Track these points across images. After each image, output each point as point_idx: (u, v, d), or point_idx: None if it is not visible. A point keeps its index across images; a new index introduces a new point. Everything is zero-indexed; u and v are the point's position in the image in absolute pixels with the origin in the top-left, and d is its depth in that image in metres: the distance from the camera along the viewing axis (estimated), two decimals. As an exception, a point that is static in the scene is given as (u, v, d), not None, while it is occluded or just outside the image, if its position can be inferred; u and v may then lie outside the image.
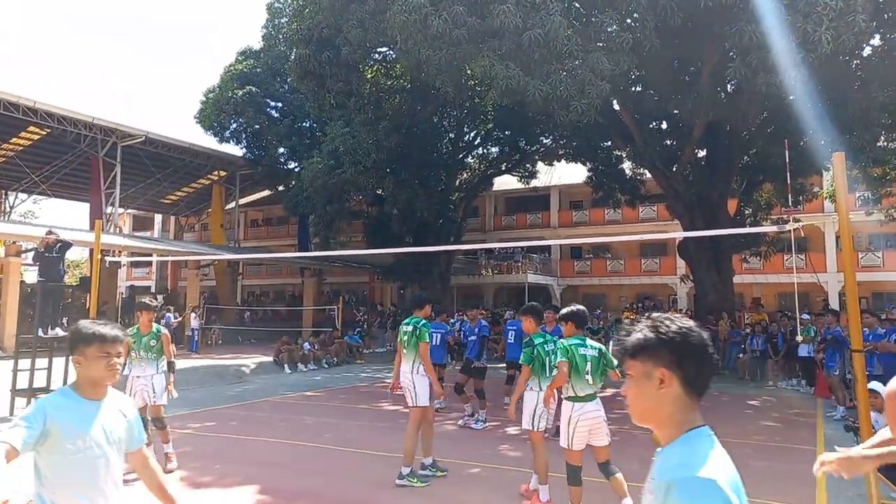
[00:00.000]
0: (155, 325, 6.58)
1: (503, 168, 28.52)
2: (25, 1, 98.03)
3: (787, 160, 7.80)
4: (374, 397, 11.93)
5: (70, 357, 2.34)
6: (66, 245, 10.19)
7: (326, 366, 17.57)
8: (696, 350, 1.53)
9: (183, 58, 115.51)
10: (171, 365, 6.52)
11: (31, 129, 25.44)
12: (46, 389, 9.94)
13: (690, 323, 1.57)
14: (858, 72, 14.15)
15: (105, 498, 2.31)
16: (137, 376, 6.39)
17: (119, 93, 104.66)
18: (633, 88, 17.90)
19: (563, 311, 5.44)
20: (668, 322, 1.55)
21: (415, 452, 6.00)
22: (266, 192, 36.04)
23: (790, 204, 17.11)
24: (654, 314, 1.61)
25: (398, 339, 6.57)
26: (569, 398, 5.03)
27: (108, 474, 2.32)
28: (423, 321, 6.25)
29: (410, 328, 6.20)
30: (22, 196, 35.07)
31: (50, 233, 10.30)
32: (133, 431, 2.46)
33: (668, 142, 19.32)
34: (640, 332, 1.57)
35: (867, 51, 14.12)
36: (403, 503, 5.51)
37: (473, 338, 9.86)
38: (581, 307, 5.41)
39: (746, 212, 19.81)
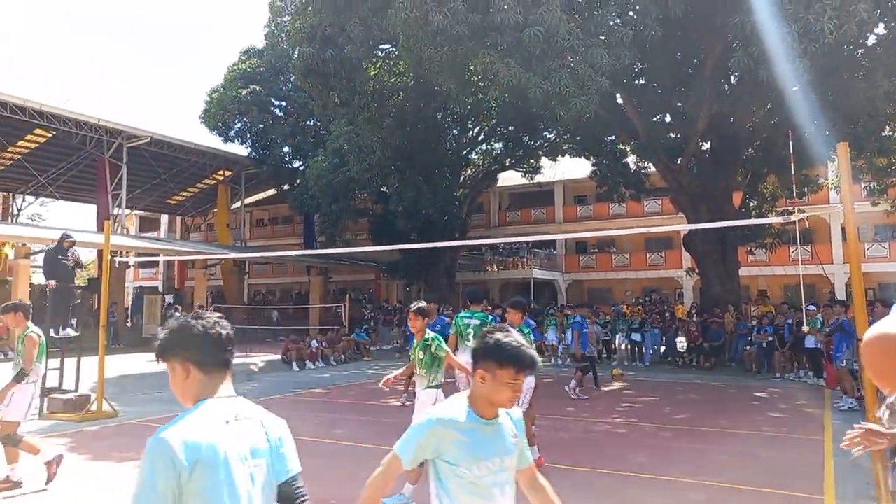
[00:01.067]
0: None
1: (507, 164, 28.52)
2: (26, 1, 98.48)
3: (791, 151, 7.79)
4: (383, 394, 12.00)
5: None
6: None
7: (334, 363, 17.66)
8: (195, 338, 1.81)
9: (186, 58, 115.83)
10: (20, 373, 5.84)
11: (38, 131, 25.60)
12: (59, 389, 10.07)
13: (195, 317, 1.86)
14: (863, 61, 14.09)
15: None
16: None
17: (123, 94, 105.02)
18: (637, 82, 17.89)
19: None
20: (187, 323, 1.85)
21: None
22: (271, 192, 36.15)
23: (795, 195, 17.06)
24: (178, 316, 1.96)
25: (455, 332, 6.77)
26: None
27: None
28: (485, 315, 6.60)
29: (478, 322, 6.59)
30: (29, 199, 35.29)
31: (67, 237, 10.42)
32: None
33: (673, 135, 19.29)
34: (161, 337, 1.87)
35: (871, 40, 14.04)
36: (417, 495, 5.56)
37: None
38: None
39: (751, 204, 19.77)
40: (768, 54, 11.77)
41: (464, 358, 6.37)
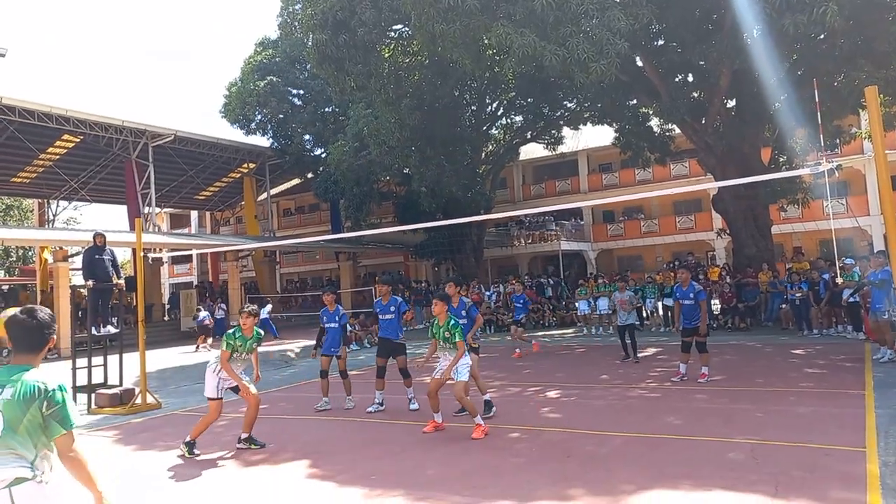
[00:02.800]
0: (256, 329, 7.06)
1: (528, 136, 28.24)
2: (34, 5, 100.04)
3: (818, 101, 7.53)
4: (416, 372, 12.14)
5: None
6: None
7: (368, 345, 17.88)
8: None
9: (202, 53, 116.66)
10: None
11: (65, 137, 26.19)
12: (105, 385, 10.41)
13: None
14: (893, 2, 13.52)
15: None
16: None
17: (144, 94, 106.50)
18: (656, 42, 17.48)
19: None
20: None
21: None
22: (296, 181, 36.48)
23: (825, 147, 16.55)
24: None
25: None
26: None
27: None
28: (231, 331, 7.06)
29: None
30: (63, 204, 36.22)
31: (98, 234, 10.69)
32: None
33: (696, 94, 18.84)
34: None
35: (900, -21, 13.48)
36: (450, 463, 5.65)
37: (390, 317, 8.71)
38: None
39: (781, 160, 19.25)
40: (791, 2, 11.39)
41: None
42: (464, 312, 8.06)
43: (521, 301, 14.42)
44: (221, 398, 6.86)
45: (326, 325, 8.95)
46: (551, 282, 23.76)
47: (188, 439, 6.75)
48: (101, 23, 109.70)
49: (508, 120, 27.93)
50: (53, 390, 2.66)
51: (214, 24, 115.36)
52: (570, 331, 18.63)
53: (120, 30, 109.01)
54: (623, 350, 11.84)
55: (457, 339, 6.82)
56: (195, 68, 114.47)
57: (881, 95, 13.84)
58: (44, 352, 2.87)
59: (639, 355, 11.79)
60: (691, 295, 9.41)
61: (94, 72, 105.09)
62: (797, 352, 11.77)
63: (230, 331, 7.00)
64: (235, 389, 6.86)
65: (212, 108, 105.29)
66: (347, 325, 9.42)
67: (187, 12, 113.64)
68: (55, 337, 2.91)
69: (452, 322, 6.93)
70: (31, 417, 2.60)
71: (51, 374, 2.75)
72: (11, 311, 3.04)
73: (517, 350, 13.48)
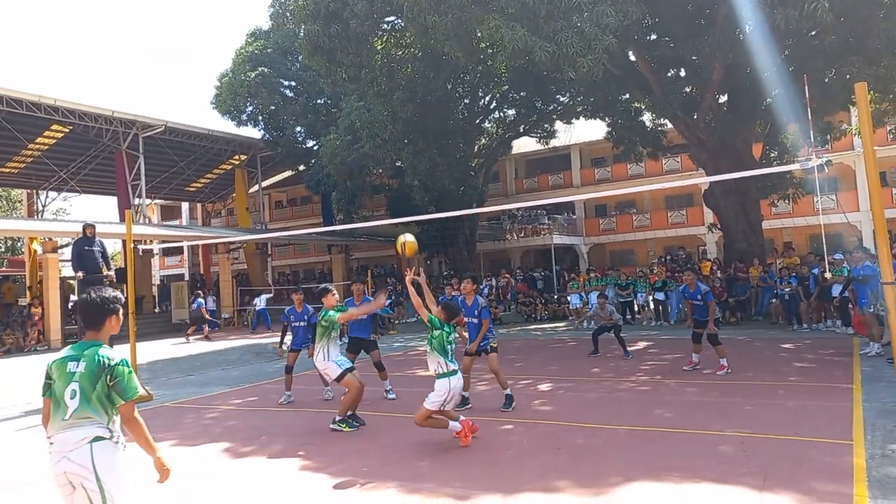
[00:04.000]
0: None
1: (521, 130, 28.25)
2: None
3: (808, 96, 7.60)
4: (408, 365, 12.16)
5: None
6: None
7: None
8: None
9: (193, 43, 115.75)
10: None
11: (55, 127, 25.96)
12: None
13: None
14: (883, -1, 13.60)
15: None
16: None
17: (134, 84, 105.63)
18: (648, 37, 17.50)
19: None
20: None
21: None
22: (288, 173, 36.36)
23: (815, 143, 16.66)
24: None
25: None
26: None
27: None
28: (328, 312, 7.05)
29: (319, 317, 7.24)
30: (52, 194, 35.93)
31: (87, 225, 10.62)
32: None
33: (688, 89, 18.90)
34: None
35: (891, -24, 13.54)
36: (441, 456, 5.67)
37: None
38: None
39: (772, 155, 19.36)
40: (783, -2, 11.43)
41: None
42: (476, 312, 7.78)
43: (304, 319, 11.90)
44: (352, 368, 7.01)
45: (294, 324, 9.16)
46: (542, 275, 23.85)
47: (339, 418, 6.89)
48: (93, 14, 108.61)
49: (501, 113, 27.91)
50: (116, 364, 3.02)
51: (206, 15, 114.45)
52: (561, 324, 18.70)
53: (113, 21, 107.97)
54: (594, 346, 11.85)
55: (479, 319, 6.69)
56: (187, 60, 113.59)
57: (871, 92, 13.93)
58: (106, 327, 3.15)
59: (629, 349, 11.72)
60: (699, 296, 9.65)
61: (86, 64, 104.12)
62: (787, 346, 11.87)
63: (329, 313, 7.05)
64: (339, 377, 6.96)
65: (203, 100, 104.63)
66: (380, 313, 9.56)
67: (178, 4, 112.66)
68: (118, 315, 3.19)
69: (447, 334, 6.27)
70: (101, 388, 2.99)
71: (116, 350, 3.12)
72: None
73: None
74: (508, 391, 7.68)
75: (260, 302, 23.41)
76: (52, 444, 2.98)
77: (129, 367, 3.04)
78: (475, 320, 7.74)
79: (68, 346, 3.16)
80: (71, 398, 2.96)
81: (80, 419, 2.95)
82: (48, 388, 3.05)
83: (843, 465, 4.86)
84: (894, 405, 6.67)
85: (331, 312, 7.05)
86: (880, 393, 7.26)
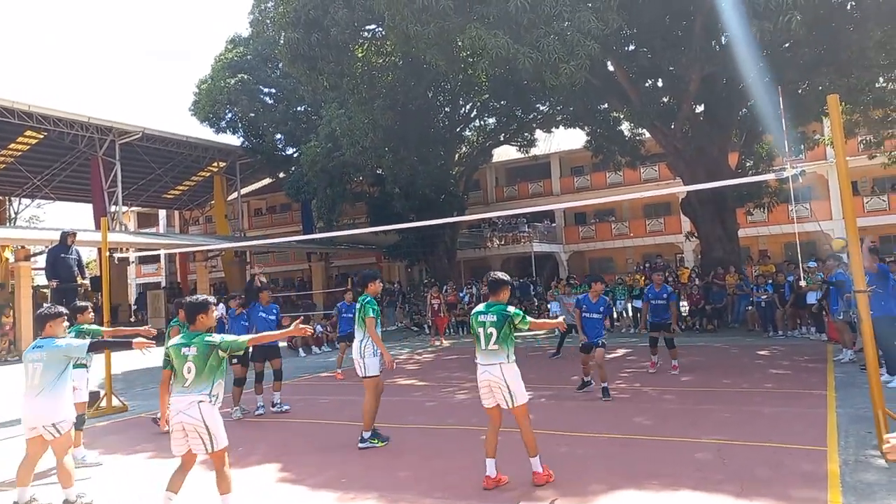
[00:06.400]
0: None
1: (501, 139, 28.38)
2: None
3: (782, 107, 7.76)
4: (387, 373, 12.09)
5: None
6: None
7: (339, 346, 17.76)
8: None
9: (172, 50, 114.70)
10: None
11: (28, 133, 25.51)
12: (67, 387, 10.14)
13: None
14: (854, 12, 13.93)
15: None
16: None
17: (112, 90, 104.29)
18: (626, 47, 17.71)
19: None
20: None
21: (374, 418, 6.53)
22: (267, 180, 36.09)
23: (788, 152, 16.96)
24: None
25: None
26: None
27: None
28: (370, 298, 6.66)
29: (359, 305, 6.72)
30: (25, 201, 35.27)
31: (68, 233, 10.44)
32: None
33: (665, 99, 19.15)
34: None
35: (862, -10, 13.89)
36: (422, 466, 5.64)
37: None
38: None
39: (748, 164, 19.67)
40: (757, 9, 11.64)
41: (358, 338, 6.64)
42: (601, 310, 8.96)
43: (353, 312, 11.69)
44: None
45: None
46: (518, 283, 24.04)
47: (368, 434, 6.48)
48: (71, 18, 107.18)
49: (482, 122, 28.03)
50: (219, 343, 4.37)
51: (183, 24, 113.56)
52: (541, 332, 18.75)
53: (90, 26, 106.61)
54: (557, 349, 12.87)
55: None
56: (168, 64, 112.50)
57: (842, 103, 14.23)
58: (203, 321, 4.49)
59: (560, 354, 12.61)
60: (664, 296, 10.03)
61: (63, 70, 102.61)
62: (762, 353, 12.03)
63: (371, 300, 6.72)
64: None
65: (181, 106, 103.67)
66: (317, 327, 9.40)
67: (155, 12, 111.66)
68: (210, 314, 4.51)
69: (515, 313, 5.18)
70: (211, 364, 4.33)
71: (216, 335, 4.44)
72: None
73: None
74: (606, 384, 8.30)
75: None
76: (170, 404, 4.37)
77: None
78: (598, 316, 8.75)
79: (180, 335, 4.47)
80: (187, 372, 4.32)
81: (193, 388, 4.31)
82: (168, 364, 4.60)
83: (817, 472, 4.93)
84: (867, 411, 6.77)
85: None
86: (854, 399, 7.37)
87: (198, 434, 4.29)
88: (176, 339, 4.41)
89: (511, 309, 5.11)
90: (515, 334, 5.18)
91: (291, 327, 4.82)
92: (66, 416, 5.02)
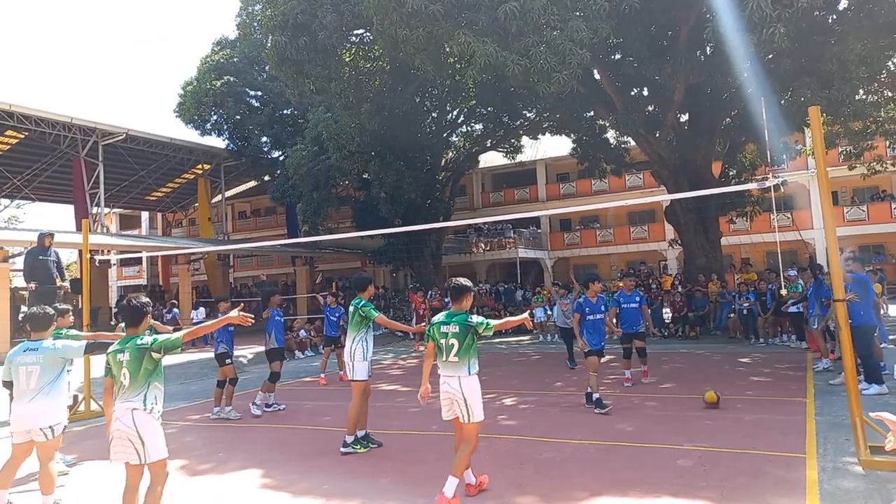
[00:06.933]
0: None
1: (488, 144, 28.46)
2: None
3: (765, 118, 7.87)
4: (371, 378, 12.04)
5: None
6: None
7: (323, 352, 17.67)
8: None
9: (158, 51, 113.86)
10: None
11: (9, 132, 25.12)
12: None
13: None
14: (836, 26, 14.17)
15: None
16: None
17: (96, 90, 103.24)
18: (613, 56, 17.86)
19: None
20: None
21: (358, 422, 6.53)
22: (252, 183, 35.86)
23: (771, 162, 17.20)
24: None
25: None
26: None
27: None
28: (365, 301, 6.74)
29: (352, 309, 6.72)
30: (4, 202, 34.74)
31: (46, 234, 10.29)
32: None
33: (651, 108, 19.33)
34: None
35: (843, 4, 14.14)
36: (405, 472, 5.62)
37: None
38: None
39: (731, 173, 19.89)
40: (742, 21, 11.79)
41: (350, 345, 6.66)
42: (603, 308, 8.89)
43: (337, 315, 12.22)
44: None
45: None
46: (503, 288, 24.24)
47: (351, 439, 6.43)
48: (55, 16, 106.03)
49: (468, 128, 28.10)
50: (150, 345, 4.16)
51: (169, 23, 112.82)
52: (525, 338, 18.79)
53: (86, 22, 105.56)
54: (570, 357, 12.11)
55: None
56: (151, 66, 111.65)
57: (824, 115, 14.45)
58: (142, 325, 4.31)
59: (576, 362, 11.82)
60: (637, 299, 9.96)
61: (44, 68, 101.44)
62: (744, 360, 12.14)
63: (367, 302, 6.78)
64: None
65: (166, 107, 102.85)
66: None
67: (147, 9, 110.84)
68: (147, 318, 4.35)
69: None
70: (145, 367, 4.13)
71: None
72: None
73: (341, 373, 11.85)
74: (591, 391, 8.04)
75: (197, 315, 22.47)
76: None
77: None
78: (601, 316, 8.54)
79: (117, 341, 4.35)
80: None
81: (129, 394, 4.20)
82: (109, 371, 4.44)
83: (797, 479, 4.98)
84: (845, 419, 6.85)
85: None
86: (832, 406, 7.47)
87: (131, 443, 4.06)
88: (114, 345, 4.26)
89: (474, 318, 4.94)
90: (498, 339, 5.19)
91: (233, 313, 4.59)
92: (62, 418, 4.98)
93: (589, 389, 8.16)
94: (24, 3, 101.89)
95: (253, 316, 4.67)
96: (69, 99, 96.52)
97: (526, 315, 5.39)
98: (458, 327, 4.89)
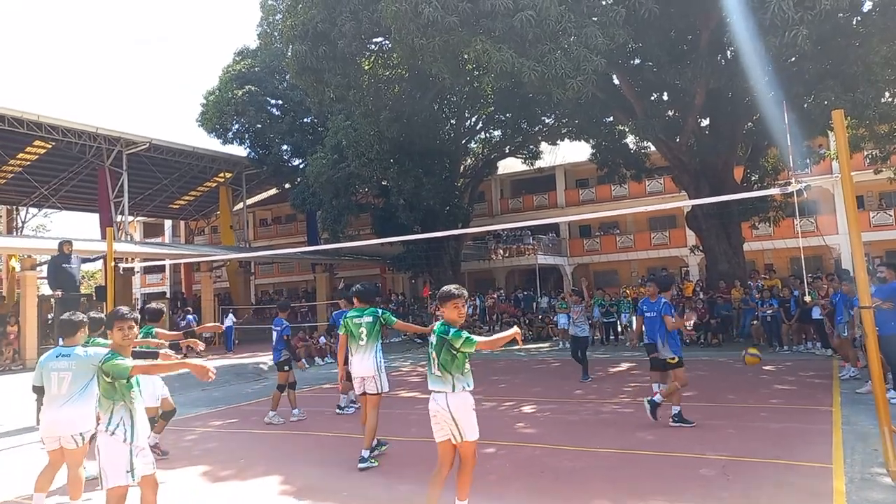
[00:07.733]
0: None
1: (507, 151, 28.46)
2: (21, 13, 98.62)
3: (787, 122, 7.76)
4: (390, 386, 12.06)
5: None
6: (86, 259, 10.38)
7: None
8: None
9: (181, 61, 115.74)
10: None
11: (37, 143, 25.70)
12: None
13: None
14: (859, 28, 13.97)
15: None
16: None
17: (120, 101, 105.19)
18: (632, 61, 17.79)
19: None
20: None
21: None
22: (273, 191, 36.21)
23: (793, 166, 16.96)
24: None
25: (345, 332, 6.68)
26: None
27: None
28: (381, 309, 6.63)
29: (372, 319, 6.46)
30: (32, 210, 35.46)
31: (65, 242, 10.49)
32: None
33: (671, 112, 19.20)
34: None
35: (867, 6, 13.93)
36: (424, 479, 5.60)
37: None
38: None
39: (753, 178, 19.66)
40: (764, 25, 11.68)
41: (357, 359, 6.47)
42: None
43: (280, 325, 9.18)
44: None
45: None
46: (523, 295, 24.15)
47: (367, 453, 6.23)
48: (84, 21, 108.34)
49: (487, 134, 28.12)
50: (101, 365, 4.17)
51: (191, 37, 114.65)
52: (545, 345, 18.71)
53: (111, 35, 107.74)
54: (583, 366, 11.45)
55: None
56: (174, 77, 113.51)
57: (848, 118, 14.23)
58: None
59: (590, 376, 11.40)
60: (657, 308, 9.29)
61: (71, 79, 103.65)
62: (768, 368, 11.94)
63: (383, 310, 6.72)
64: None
65: (189, 116, 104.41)
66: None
67: (170, 20, 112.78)
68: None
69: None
70: (104, 387, 4.13)
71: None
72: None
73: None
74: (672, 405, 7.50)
75: (226, 321, 23.00)
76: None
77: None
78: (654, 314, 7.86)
79: None
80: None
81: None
82: None
83: (823, 489, 4.88)
84: (873, 428, 6.71)
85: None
86: (860, 416, 7.31)
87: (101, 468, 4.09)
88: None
89: (451, 331, 4.35)
90: (517, 346, 5.08)
91: (196, 361, 4.37)
92: (91, 425, 5.03)
93: (661, 399, 7.48)
94: (23, 4, 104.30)
95: (214, 369, 4.36)
96: (94, 107, 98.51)
97: (515, 329, 4.62)
98: (435, 338, 4.45)
